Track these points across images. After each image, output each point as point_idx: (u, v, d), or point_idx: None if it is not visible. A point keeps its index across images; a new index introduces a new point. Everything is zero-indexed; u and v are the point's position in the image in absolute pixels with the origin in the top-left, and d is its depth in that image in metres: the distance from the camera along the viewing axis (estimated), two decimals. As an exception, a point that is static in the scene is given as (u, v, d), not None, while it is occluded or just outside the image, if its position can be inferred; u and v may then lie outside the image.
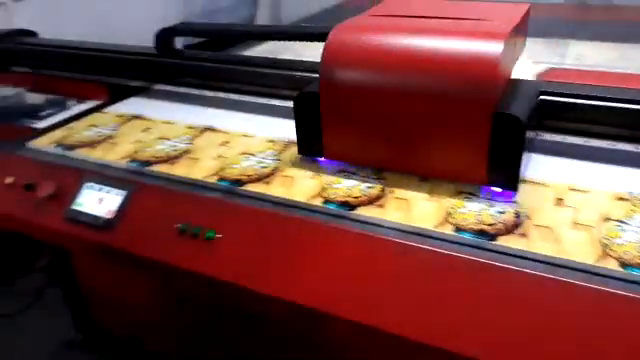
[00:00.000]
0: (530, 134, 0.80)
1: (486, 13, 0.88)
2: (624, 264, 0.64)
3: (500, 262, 0.66)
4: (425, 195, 0.80)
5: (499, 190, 0.78)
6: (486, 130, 0.74)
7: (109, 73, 1.31)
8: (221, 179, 0.89)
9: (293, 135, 0.91)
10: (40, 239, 1.06)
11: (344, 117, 0.84)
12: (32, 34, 1.54)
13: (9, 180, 1.00)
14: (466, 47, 0.74)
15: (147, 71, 1.26)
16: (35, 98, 1.43)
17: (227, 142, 1.01)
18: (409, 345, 0.65)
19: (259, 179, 0.88)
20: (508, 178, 0.77)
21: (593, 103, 0.81)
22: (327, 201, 0.81)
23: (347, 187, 0.83)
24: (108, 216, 0.89)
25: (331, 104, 0.84)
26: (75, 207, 0.92)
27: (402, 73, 0.77)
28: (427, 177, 0.83)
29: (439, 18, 0.85)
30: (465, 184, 0.80)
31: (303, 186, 0.85)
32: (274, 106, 1.09)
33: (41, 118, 1.30)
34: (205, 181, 0.89)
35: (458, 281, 0.66)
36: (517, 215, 0.74)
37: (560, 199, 0.76)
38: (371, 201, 0.80)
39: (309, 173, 0.88)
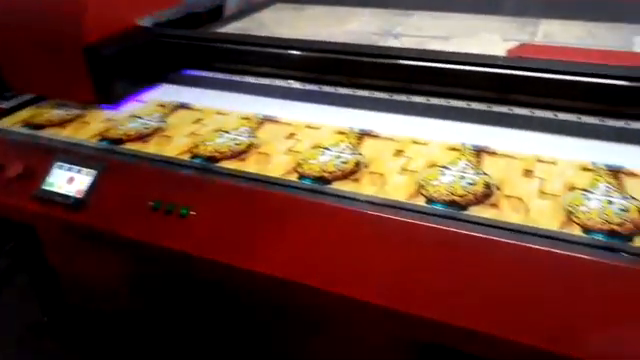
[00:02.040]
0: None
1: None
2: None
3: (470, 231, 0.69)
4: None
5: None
6: (83, 60, 1.01)
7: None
8: (195, 156, 0.88)
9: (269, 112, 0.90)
10: (10, 219, 1.04)
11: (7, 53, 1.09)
12: None
13: (-25, 161, 0.98)
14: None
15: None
16: (-1, 78, 1.39)
17: (201, 120, 1.01)
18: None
19: (233, 156, 0.88)
20: (106, 97, 1.05)
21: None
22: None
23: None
24: (79, 195, 0.88)
25: None
26: (45, 187, 0.91)
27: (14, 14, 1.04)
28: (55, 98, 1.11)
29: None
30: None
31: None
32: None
33: (6, 98, 1.27)
34: (178, 158, 0.89)
35: (432, 253, 0.68)
36: (487, 186, 0.76)
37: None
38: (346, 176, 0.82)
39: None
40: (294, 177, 0.81)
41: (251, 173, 0.83)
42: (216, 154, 0.88)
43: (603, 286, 0.61)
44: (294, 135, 0.93)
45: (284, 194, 0.79)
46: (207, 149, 0.90)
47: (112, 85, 1.06)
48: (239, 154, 0.88)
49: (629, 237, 0.64)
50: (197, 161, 0.87)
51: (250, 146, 0.90)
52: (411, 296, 0.67)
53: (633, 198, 0.71)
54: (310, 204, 0.76)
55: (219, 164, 0.86)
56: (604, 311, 0.60)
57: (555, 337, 0.60)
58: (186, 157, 0.89)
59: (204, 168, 0.86)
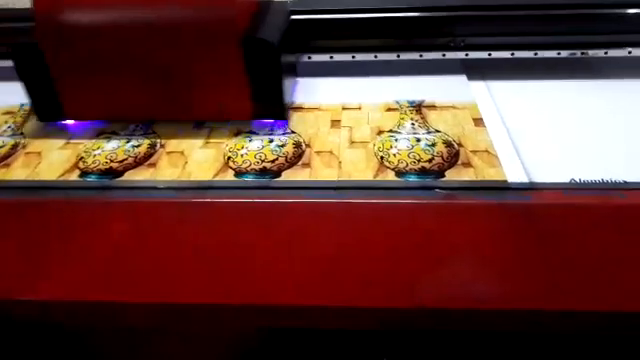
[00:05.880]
0: (289, 57, 0.77)
1: None
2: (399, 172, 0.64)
3: (286, 198, 0.61)
4: (201, 142, 0.72)
5: (271, 121, 0.75)
6: (238, 58, 0.68)
7: None
8: (-61, 173, 0.69)
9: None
10: None
11: (79, 66, 0.71)
12: None
13: None
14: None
15: None
16: None
17: (-51, 124, 0.79)
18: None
19: (-6, 163, 0.70)
20: (274, 107, 0.73)
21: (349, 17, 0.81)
22: (85, 173, 0.67)
23: (110, 150, 0.71)
24: None
25: (59, 53, 0.70)
26: None
27: (135, 5, 0.67)
28: (192, 120, 0.76)
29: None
30: (244, 122, 0.74)
31: (53, 161, 0.70)
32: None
33: None
34: None
35: (249, 229, 0.60)
36: (297, 145, 0.70)
37: (336, 120, 0.74)
38: (140, 162, 0.69)
39: (60, 142, 0.73)
40: (75, 176, 0.67)
41: (18, 181, 0.67)
42: (-30, 165, 0.70)
43: (423, 227, 0.59)
44: (72, 124, 0.78)
45: (66, 199, 0.65)
46: (-42, 160, 0.71)
47: (281, 88, 0.72)
48: (3, 159, 0.71)
49: (440, 173, 0.63)
50: (-58, 178, 0.68)
51: (16, 146, 0.73)
52: (242, 286, 0.60)
53: (437, 131, 0.70)
54: (100, 205, 0.64)
55: (-25, 177, 0.68)
56: (429, 252, 0.58)
57: (392, 291, 0.57)
58: None
59: (-48, 188, 0.67)
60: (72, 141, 0.74)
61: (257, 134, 0.72)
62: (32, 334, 0.72)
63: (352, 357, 0.66)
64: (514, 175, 0.61)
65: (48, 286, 0.61)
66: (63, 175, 0.67)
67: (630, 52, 0.79)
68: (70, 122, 0.77)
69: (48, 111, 0.76)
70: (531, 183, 0.61)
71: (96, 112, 0.76)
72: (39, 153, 0.72)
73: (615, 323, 0.52)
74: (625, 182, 0.60)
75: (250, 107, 0.72)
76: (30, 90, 0.74)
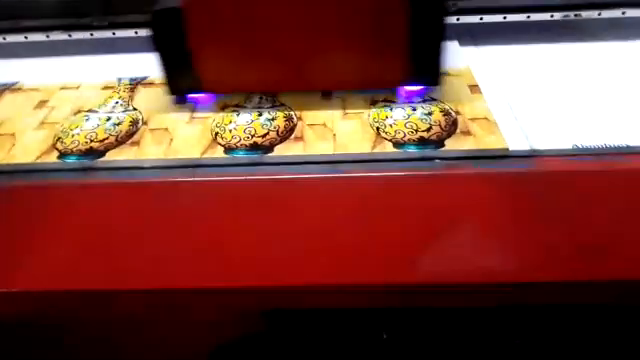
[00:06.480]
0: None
1: None
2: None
3: (282, 174, 0.59)
4: (186, 117, 0.68)
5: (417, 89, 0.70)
6: (402, 19, 0.62)
7: None
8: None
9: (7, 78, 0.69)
10: None
11: (223, 34, 0.64)
12: None
13: None
14: None
15: None
16: None
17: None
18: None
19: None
20: (432, 72, 0.67)
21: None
22: (64, 154, 0.63)
23: (89, 129, 0.67)
24: None
25: (203, 19, 0.63)
26: None
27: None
28: (338, 90, 0.71)
29: None
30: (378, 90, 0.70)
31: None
32: None
33: None
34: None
35: (246, 208, 0.57)
36: (288, 118, 0.67)
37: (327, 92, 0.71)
38: (122, 141, 0.65)
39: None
40: (54, 157, 0.63)
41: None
42: (-64, 149, 0.65)
43: (425, 199, 0.57)
44: (46, 102, 0.73)
45: (44, 183, 0.61)
46: None
47: (442, 50, 0.65)
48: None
49: (439, 142, 0.61)
50: None
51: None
52: (239, 268, 0.57)
53: (432, 99, 0.68)
54: (80, 188, 0.60)
55: (-57, 162, 0.64)
56: (434, 226, 0.56)
57: (396, 267, 0.55)
58: None
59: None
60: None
61: (245, 107, 0.69)
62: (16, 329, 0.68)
63: (351, 333, 0.64)
64: (515, 142, 0.60)
65: (37, 275, 0.57)
66: (40, 157, 0.63)
67: (624, 13, 0.77)
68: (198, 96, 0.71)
69: (181, 84, 0.69)
70: (533, 150, 0.59)
71: (239, 84, 0.70)
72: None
73: (624, 290, 0.51)
74: (628, 146, 0.58)
75: (405, 72, 0.67)
76: (166, 61, 0.67)
